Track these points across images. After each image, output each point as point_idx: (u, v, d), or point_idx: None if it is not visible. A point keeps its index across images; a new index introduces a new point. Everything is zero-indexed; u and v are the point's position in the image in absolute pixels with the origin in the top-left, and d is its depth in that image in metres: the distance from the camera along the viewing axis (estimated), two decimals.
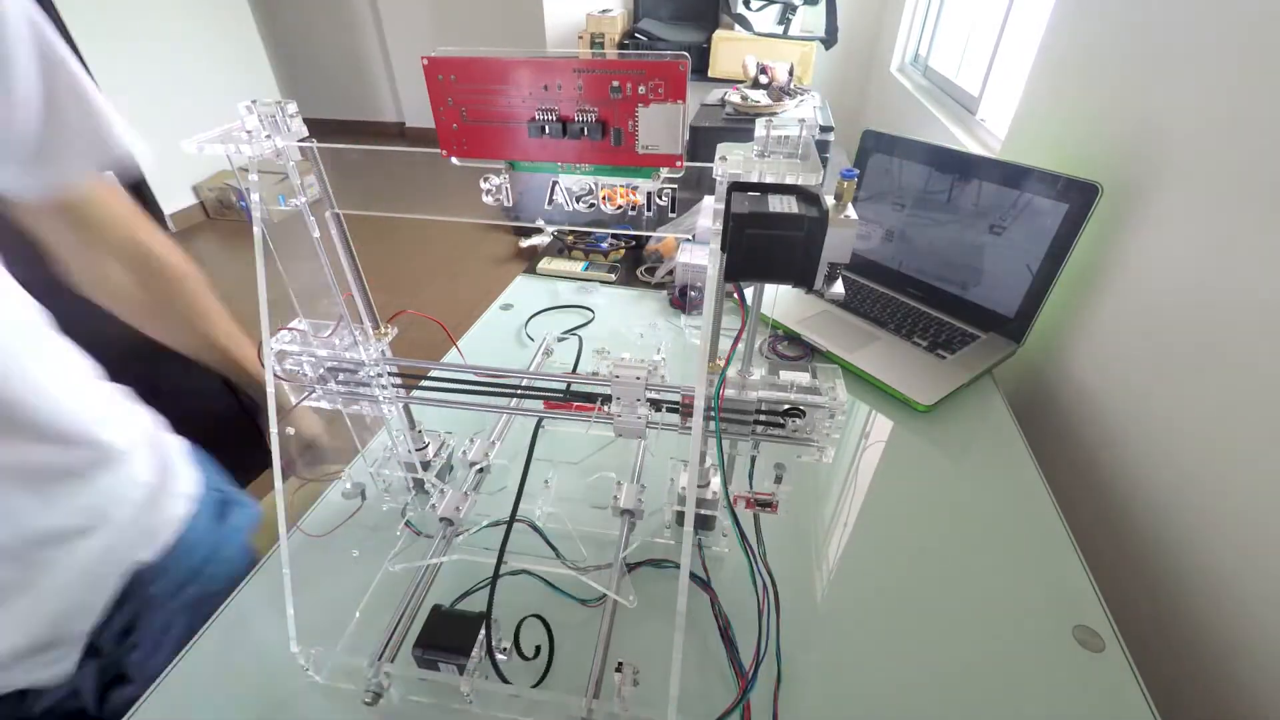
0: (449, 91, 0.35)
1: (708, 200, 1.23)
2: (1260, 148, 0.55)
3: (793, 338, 0.89)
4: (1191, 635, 0.57)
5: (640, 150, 0.34)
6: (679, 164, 0.34)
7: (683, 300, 0.97)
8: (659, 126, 0.33)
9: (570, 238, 1.13)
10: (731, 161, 0.31)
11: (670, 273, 1.04)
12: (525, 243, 2.72)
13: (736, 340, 0.42)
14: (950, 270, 0.92)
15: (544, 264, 1.09)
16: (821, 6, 2.02)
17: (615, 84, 0.33)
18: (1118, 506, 0.69)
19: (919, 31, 2.16)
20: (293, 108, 0.36)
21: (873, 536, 0.61)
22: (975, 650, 0.51)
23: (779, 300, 0.96)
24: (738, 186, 0.33)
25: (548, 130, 0.35)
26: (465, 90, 0.35)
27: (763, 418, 0.43)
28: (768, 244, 0.33)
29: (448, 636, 0.44)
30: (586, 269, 1.09)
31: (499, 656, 0.44)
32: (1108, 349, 0.75)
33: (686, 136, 0.32)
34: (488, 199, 0.38)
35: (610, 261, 1.11)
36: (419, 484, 0.59)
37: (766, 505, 0.48)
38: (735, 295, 0.43)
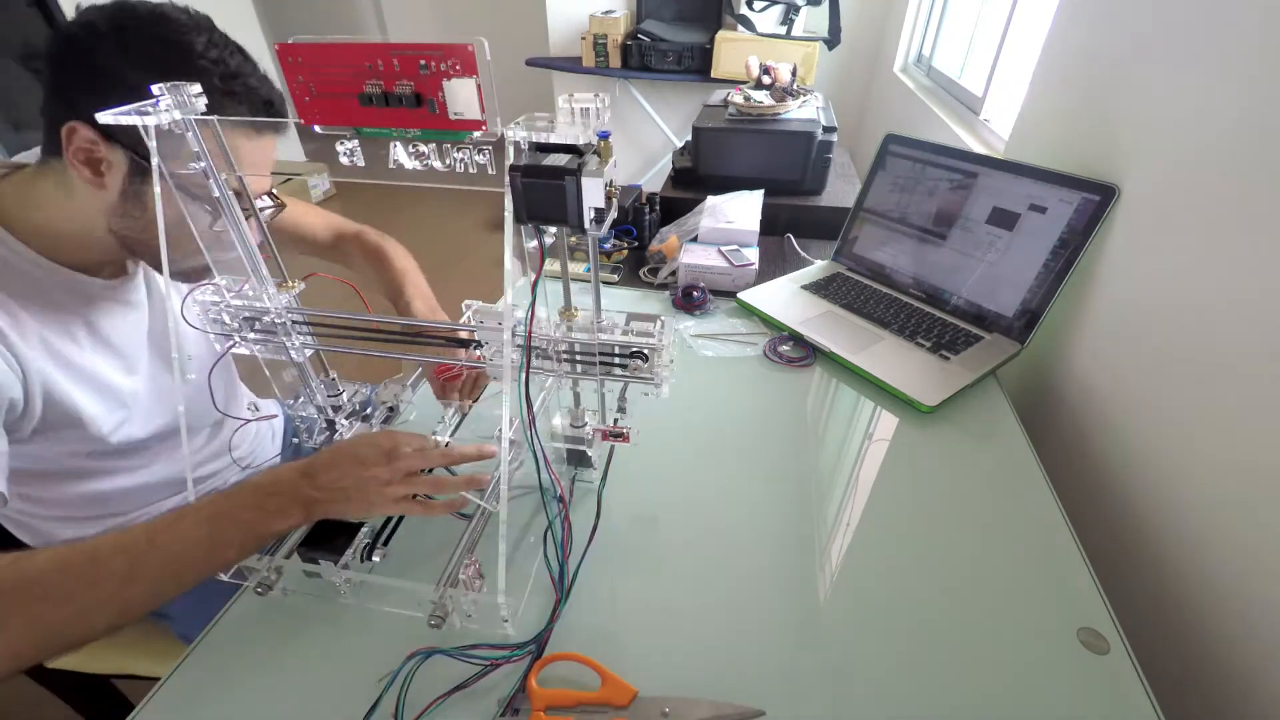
0: (298, 71, 0.43)
1: (710, 200, 1.23)
2: (1265, 149, 0.54)
3: (795, 339, 0.89)
4: (1197, 637, 0.57)
5: (452, 116, 0.41)
6: (484, 128, 0.41)
7: (686, 301, 0.97)
8: (463, 97, 0.40)
9: (573, 239, 1.13)
10: (521, 124, 0.41)
11: (673, 273, 1.04)
12: (528, 244, 2.73)
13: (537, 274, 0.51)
14: (957, 271, 0.92)
15: (546, 265, 1.09)
16: (824, 7, 2.02)
17: (422, 62, 0.40)
18: (1122, 508, 0.68)
19: (922, 31, 2.16)
20: (196, 88, 0.44)
21: (876, 537, 0.60)
22: (979, 652, 0.51)
23: (780, 300, 0.96)
24: (536, 146, 0.41)
25: (374, 101, 0.42)
26: (310, 69, 0.43)
27: (616, 359, 0.52)
28: (541, 189, 0.41)
29: (328, 539, 0.52)
30: (589, 270, 1.08)
31: (375, 558, 0.53)
32: (1112, 351, 0.74)
33: (493, 106, 0.40)
34: (344, 159, 0.44)
35: (613, 263, 1.11)
36: (331, 425, 0.64)
37: (619, 436, 0.57)
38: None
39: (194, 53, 0.52)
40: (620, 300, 1.01)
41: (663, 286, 1.04)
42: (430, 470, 0.54)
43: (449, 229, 3.11)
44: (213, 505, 0.48)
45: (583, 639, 0.50)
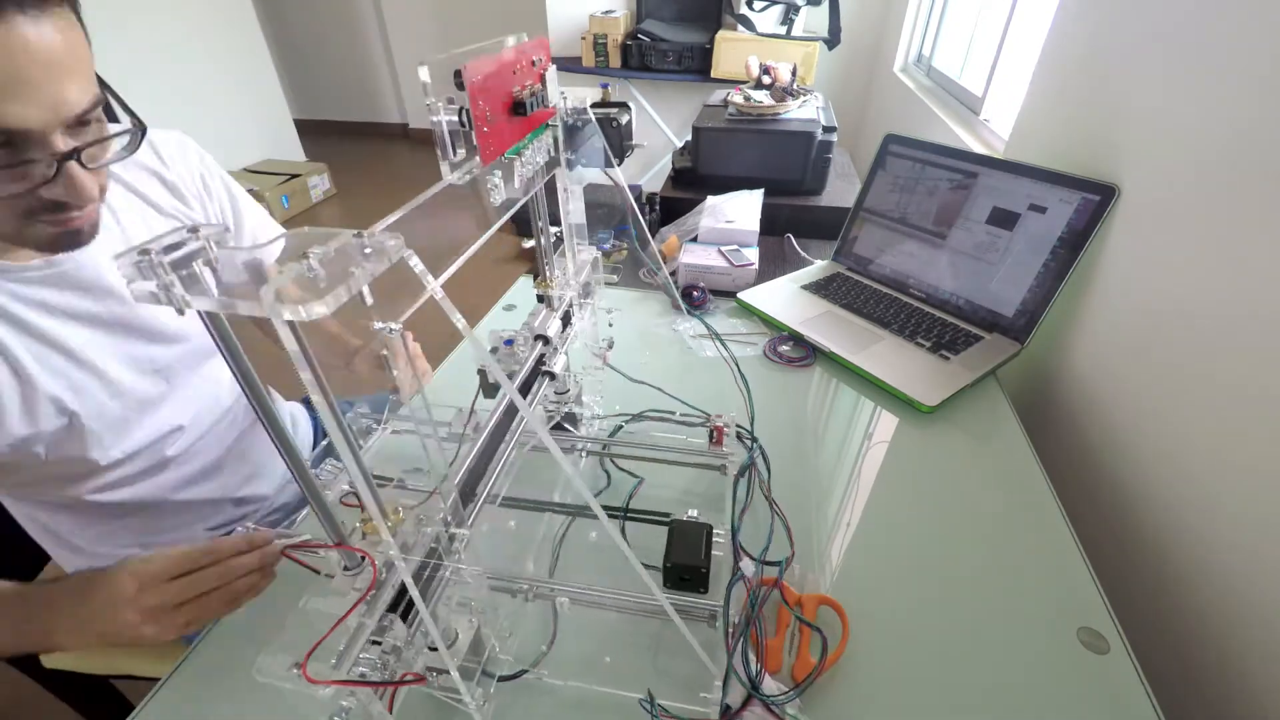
0: (480, 95, 0.36)
1: (710, 200, 1.23)
2: (1265, 149, 0.54)
3: (795, 339, 0.89)
4: (1197, 637, 0.57)
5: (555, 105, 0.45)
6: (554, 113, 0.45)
7: (686, 301, 0.97)
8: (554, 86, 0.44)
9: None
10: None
11: (672, 273, 1.04)
12: (528, 243, 2.73)
13: None
14: (957, 271, 0.92)
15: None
16: (824, 7, 2.02)
17: (537, 58, 0.41)
18: (1122, 507, 0.68)
19: (922, 31, 2.16)
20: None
21: (876, 538, 0.60)
22: (979, 651, 0.51)
23: (780, 300, 0.96)
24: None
25: (525, 109, 0.40)
26: (488, 90, 0.36)
27: None
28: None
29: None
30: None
31: None
32: (1111, 351, 0.74)
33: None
34: (496, 196, 0.40)
35: (612, 263, 1.10)
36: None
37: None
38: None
39: None
40: (619, 301, 1.01)
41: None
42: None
43: (449, 227, 3.10)
44: (13, 606, 0.51)
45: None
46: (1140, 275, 0.71)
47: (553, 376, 0.58)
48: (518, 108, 0.39)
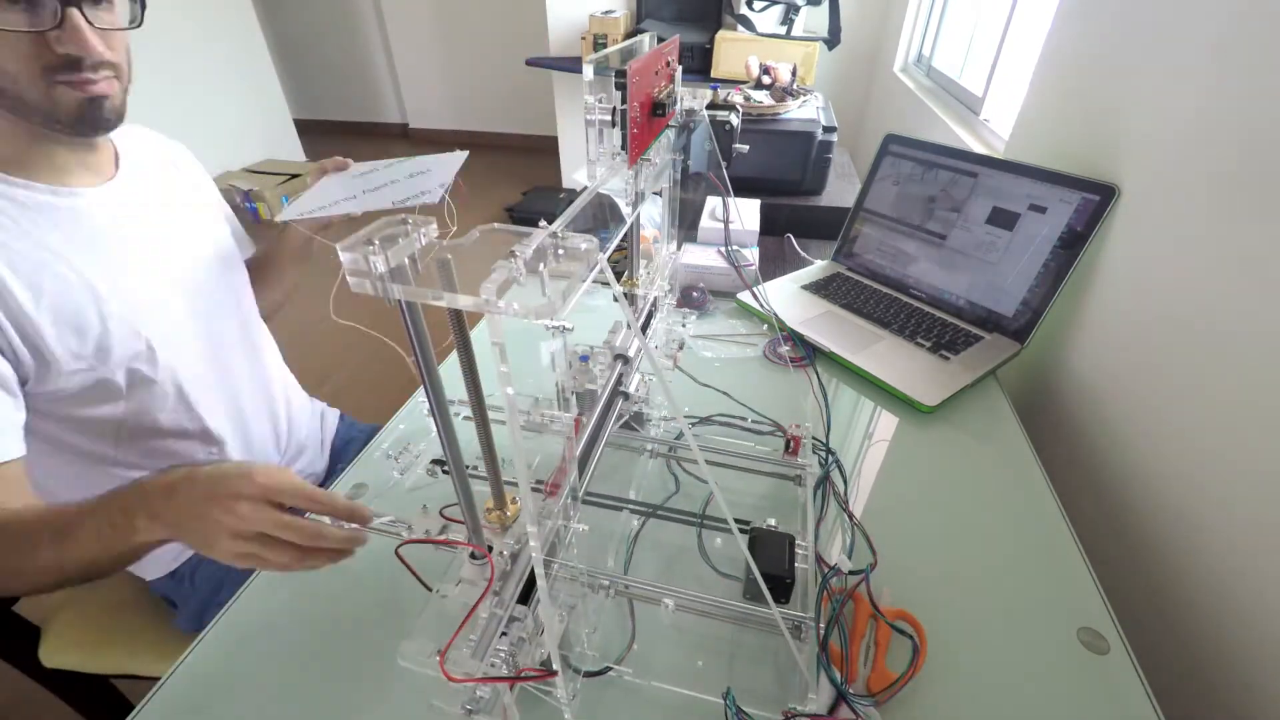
0: (637, 95, 0.36)
1: (710, 200, 1.22)
2: (1265, 149, 0.54)
3: (795, 339, 0.89)
4: (1197, 637, 0.57)
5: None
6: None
7: (685, 302, 0.97)
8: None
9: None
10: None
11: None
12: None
13: None
14: (957, 271, 0.92)
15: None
16: (824, 7, 2.02)
17: (669, 60, 0.38)
18: (1122, 508, 0.68)
19: (922, 31, 2.16)
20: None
21: (875, 538, 0.60)
22: (979, 651, 0.51)
23: (780, 300, 0.96)
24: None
25: (660, 110, 0.40)
26: (641, 89, 0.37)
27: None
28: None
29: None
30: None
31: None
32: (1111, 350, 0.74)
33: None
34: (628, 195, 0.41)
35: (612, 263, 1.11)
36: None
37: None
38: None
39: None
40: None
41: None
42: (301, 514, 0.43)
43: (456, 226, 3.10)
44: (105, 503, 0.46)
45: None
46: (1140, 275, 0.71)
47: (627, 397, 0.56)
48: (657, 108, 0.39)
